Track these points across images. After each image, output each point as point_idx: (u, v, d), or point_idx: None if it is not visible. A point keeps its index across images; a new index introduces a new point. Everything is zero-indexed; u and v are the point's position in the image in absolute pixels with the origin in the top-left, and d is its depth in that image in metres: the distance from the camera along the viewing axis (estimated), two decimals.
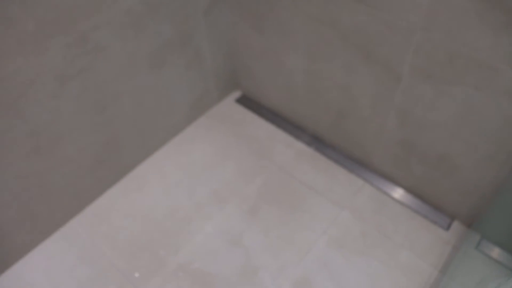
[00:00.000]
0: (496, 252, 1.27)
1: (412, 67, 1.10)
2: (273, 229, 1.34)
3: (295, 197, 1.41)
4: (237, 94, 1.73)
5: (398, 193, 1.41)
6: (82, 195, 1.40)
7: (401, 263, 1.27)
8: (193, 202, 1.42)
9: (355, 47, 1.19)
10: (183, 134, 1.60)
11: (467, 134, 1.12)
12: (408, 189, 1.41)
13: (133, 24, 1.21)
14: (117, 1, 1.14)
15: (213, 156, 1.53)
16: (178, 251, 1.31)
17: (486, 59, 0.95)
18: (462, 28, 0.95)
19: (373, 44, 1.14)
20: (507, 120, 1.01)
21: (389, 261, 1.27)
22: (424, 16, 0.98)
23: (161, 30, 1.30)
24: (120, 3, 1.15)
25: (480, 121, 1.07)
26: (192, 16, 1.36)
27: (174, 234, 1.35)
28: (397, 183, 1.42)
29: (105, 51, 1.19)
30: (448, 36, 0.98)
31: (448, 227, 1.33)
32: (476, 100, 1.03)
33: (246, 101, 1.69)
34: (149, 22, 1.25)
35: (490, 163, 1.13)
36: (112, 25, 1.16)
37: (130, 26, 1.21)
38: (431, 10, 0.96)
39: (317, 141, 1.54)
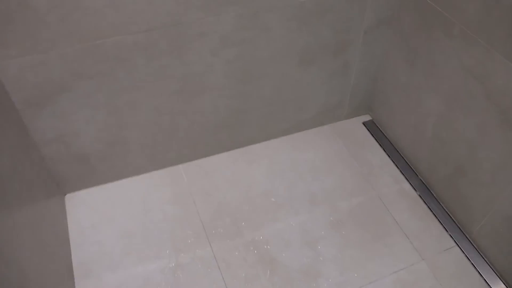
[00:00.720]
0: None
1: None
2: (349, 247, 1.37)
3: (382, 229, 1.42)
4: (365, 117, 1.78)
5: (486, 271, 1.35)
6: (198, 147, 1.55)
7: None
8: (288, 193, 1.50)
9: (496, 109, 1.18)
10: (304, 134, 1.69)
11: None
12: (499, 273, 1.34)
13: (300, 18, 1.32)
14: None
15: (323, 163, 1.60)
16: (257, 228, 1.40)
17: None
18: None
19: None
20: None
21: None
22: None
23: (321, 32, 1.39)
24: None
25: None
26: (353, 30, 1.44)
27: (260, 212, 1.44)
28: (489, 261, 1.36)
29: (268, 32, 1.32)
30: None
31: None
32: None
33: (372, 127, 1.73)
34: (314, 21, 1.35)
35: None
36: (282, 12, 1.28)
37: (296, 19, 1.32)
38: None
39: (424, 188, 1.53)
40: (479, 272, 1.34)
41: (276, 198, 1.48)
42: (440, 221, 1.45)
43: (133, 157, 1.47)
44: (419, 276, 1.32)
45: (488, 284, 1.32)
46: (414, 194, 1.53)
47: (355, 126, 1.74)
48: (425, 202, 1.50)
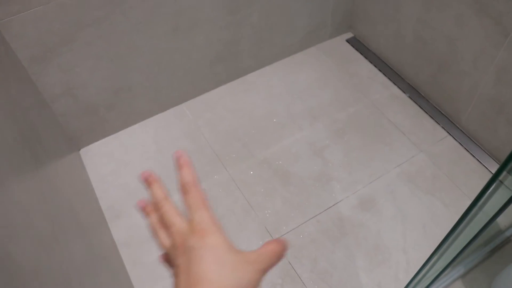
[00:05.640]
0: None
1: None
2: (353, 151, 1.49)
3: (381, 131, 1.54)
4: (348, 35, 1.86)
5: (478, 152, 1.48)
6: (198, 84, 1.62)
7: (463, 210, 1.36)
8: (289, 113, 1.59)
9: None
10: (294, 57, 1.77)
11: None
12: (489, 151, 1.48)
13: None
14: None
15: (316, 81, 1.69)
16: (267, 147, 1.50)
17: None
18: None
19: None
20: None
21: (452, 205, 1.37)
22: None
23: None
24: None
25: None
26: None
27: (267, 133, 1.54)
28: (480, 143, 1.50)
29: None
30: None
31: None
32: None
33: (355, 43, 1.82)
34: None
35: None
36: None
37: None
38: None
39: (413, 90, 1.65)
40: (472, 154, 1.48)
41: (278, 119, 1.58)
42: (431, 116, 1.57)
43: (138, 103, 1.54)
44: (421, 166, 1.45)
45: (481, 163, 1.46)
46: (404, 96, 1.64)
47: (340, 44, 1.83)
48: (415, 102, 1.62)
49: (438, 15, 1.41)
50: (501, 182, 0.74)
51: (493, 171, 1.45)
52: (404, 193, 1.39)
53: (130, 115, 1.56)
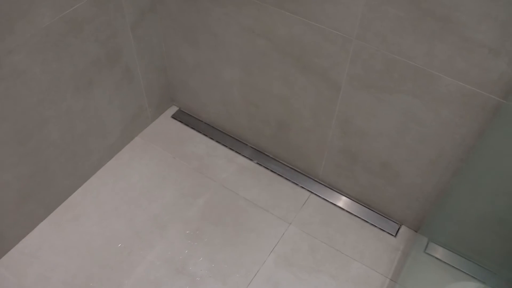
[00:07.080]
0: (443, 253, 1.27)
1: (350, 76, 1.08)
2: (219, 252, 1.28)
3: (240, 215, 1.36)
4: (173, 109, 1.65)
5: (344, 202, 1.39)
6: (9, 232, 1.27)
7: (352, 275, 1.25)
8: (132, 230, 1.33)
9: (292, 58, 1.15)
10: (119, 157, 1.50)
11: (408, 141, 1.11)
12: (355, 198, 1.39)
13: (53, 44, 1.11)
14: (32, 20, 1.04)
15: (152, 178, 1.45)
16: (120, 286, 1.22)
17: (421, 66, 0.95)
18: (397, 37, 0.93)
19: (309, 54, 1.11)
20: (445, 126, 1.01)
21: (340, 275, 1.24)
22: (358, 25, 0.96)
23: (86, 49, 1.20)
24: (37, 22, 1.05)
25: (419, 127, 1.06)
26: (119, 32, 1.28)
27: (114, 267, 1.25)
28: (343, 192, 1.41)
29: (24, 76, 1.08)
30: (383, 44, 0.96)
31: (396, 233, 1.33)
32: (414, 108, 1.03)
33: (183, 116, 1.62)
34: (72, 41, 1.15)
35: (432, 168, 1.13)
36: (29, 47, 1.06)
37: (50, 47, 1.11)
38: (365, 19, 0.94)
39: (259, 155, 1.50)
40: (339, 206, 1.38)
41: (123, 242, 1.30)
42: (287, 178, 1.44)
43: None
44: (295, 241, 1.30)
45: (351, 213, 1.37)
46: (252, 164, 1.48)
47: (166, 123, 1.61)
48: (266, 167, 1.47)
49: (261, 78, 1.28)
50: None
51: (364, 218, 1.37)
52: (288, 282, 1.23)
53: None
